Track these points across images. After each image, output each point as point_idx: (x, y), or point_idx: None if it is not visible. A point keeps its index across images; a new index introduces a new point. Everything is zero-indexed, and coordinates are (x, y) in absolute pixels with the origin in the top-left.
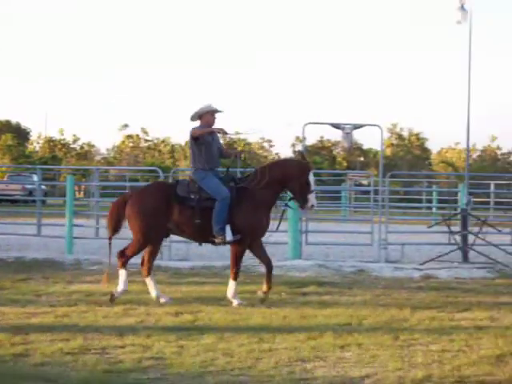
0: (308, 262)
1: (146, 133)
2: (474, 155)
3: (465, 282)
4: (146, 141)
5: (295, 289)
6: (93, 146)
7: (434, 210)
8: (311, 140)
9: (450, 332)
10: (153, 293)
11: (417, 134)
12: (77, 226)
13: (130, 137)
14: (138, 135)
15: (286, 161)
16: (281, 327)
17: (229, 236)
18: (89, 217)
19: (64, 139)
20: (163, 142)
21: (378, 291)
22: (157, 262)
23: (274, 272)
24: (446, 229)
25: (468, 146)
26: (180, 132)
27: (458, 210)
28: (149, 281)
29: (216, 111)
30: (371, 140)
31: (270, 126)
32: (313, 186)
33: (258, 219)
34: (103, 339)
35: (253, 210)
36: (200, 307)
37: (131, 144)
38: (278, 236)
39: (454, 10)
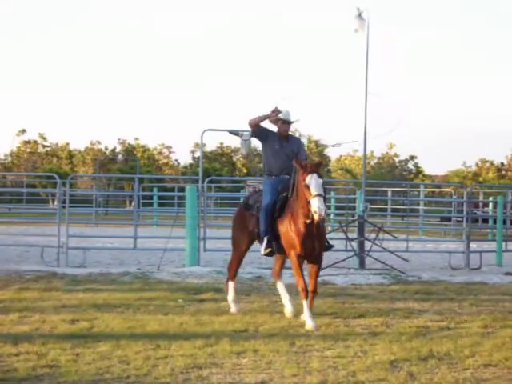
0: (206, 268)
1: (43, 138)
2: (372, 162)
3: (361, 288)
4: (44, 146)
5: (192, 295)
6: None
7: (331, 216)
8: (211, 146)
9: (346, 338)
10: (286, 304)
11: (316, 141)
12: None
13: (27, 142)
14: (35, 141)
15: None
16: (177, 334)
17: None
18: None
19: None
20: (62, 147)
21: (276, 298)
22: (53, 269)
23: (171, 278)
24: (343, 235)
25: (365, 153)
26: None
27: (355, 217)
28: (279, 286)
29: (288, 121)
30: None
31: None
32: (315, 190)
33: (291, 230)
34: None
35: (287, 221)
36: (96, 314)
37: (29, 150)
38: (176, 242)
39: (352, 18)
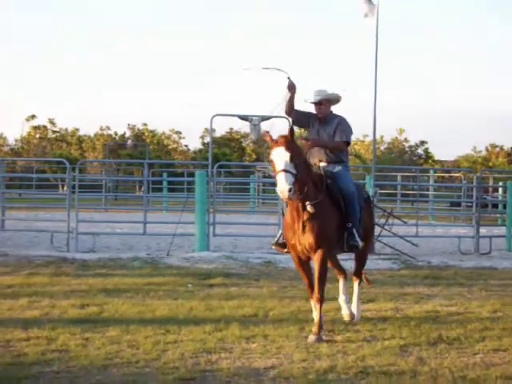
0: (215, 253)
1: (53, 124)
2: (382, 147)
3: (371, 273)
4: (54, 132)
5: (202, 280)
6: (4, 138)
7: None
8: (221, 131)
9: (355, 323)
10: (341, 306)
11: None
12: None
13: (37, 128)
14: (45, 126)
15: None
16: (187, 319)
17: None
18: None
19: None
20: (71, 133)
21: (285, 283)
22: (63, 254)
23: (181, 264)
24: None
25: (375, 138)
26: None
27: None
28: (340, 283)
29: (315, 102)
30: (280, 132)
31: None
32: (278, 165)
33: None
34: (7, 332)
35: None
36: (106, 299)
37: (38, 135)
38: (185, 227)
39: (360, 2)
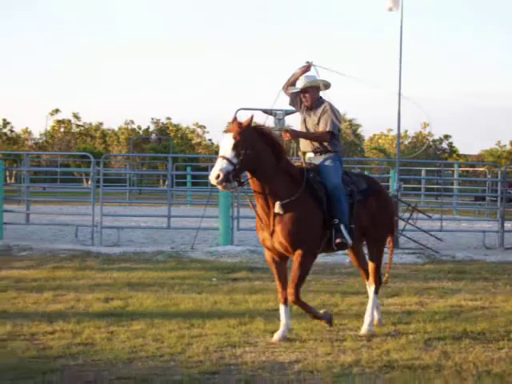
0: (239, 247)
1: (77, 118)
2: (406, 142)
3: (395, 267)
4: (78, 126)
5: (226, 274)
6: (29, 132)
7: None
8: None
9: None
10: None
11: (349, 121)
12: (7, 211)
13: (61, 122)
14: (69, 120)
15: None
16: (211, 313)
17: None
18: (19, 202)
19: None
20: (95, 127)
21: (309, 277)
22: (88, 248)
23: (205, 257)
24: None
25: (399, 132)
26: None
27: None
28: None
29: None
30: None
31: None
32: (220, 152)
33: None
34: (32, 325)
35: None
36: (130, 293)
37: (63, 129)
38: (209, 221)
39: None
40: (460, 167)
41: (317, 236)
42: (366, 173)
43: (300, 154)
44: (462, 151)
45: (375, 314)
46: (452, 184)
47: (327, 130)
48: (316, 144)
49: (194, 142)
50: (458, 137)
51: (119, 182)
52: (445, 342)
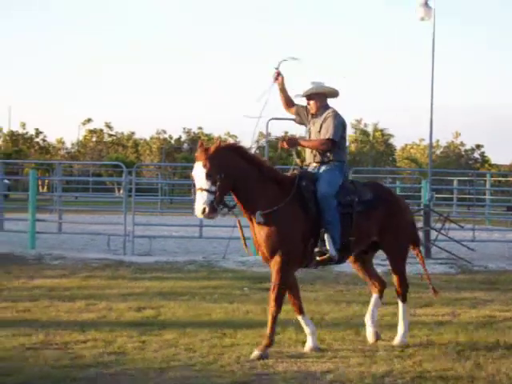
0: None
1: (109, 127)
2: (438, 151)
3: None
4: (110, 135)
5: (258, 284)
6: (63, 142)
7: None
8: (276, 135)
9: (412, 327)
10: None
11: (381, 130)
12: (39, 220)
13: (93, 131)
14: (101, 130)
15: None
16: (243, 322)
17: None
18: (51, 211)
19: (26, 133)
20: (127, 136)
21: (341, 287)
22: (120, 257)
23: (237, 267)
24: None
25: (431, 142)
26: (144, 127)
27: (421, 206)
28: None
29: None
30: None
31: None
32: (196, 184)
33: None
34: (65, 334)
35: None
36: (162, 302)
37: (95, 139)
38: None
39: (417, 6)
40: (492, 177)
41: (295, 246)
42: (397, 183)
43: (298, 161)
44: (494, 161)
45: (402, 326)
46: (484, 194)
47: (327, 137)
48: (319, 154)
49: None
50: (490, 146)
51: (151, 192)
52: (477, 353)
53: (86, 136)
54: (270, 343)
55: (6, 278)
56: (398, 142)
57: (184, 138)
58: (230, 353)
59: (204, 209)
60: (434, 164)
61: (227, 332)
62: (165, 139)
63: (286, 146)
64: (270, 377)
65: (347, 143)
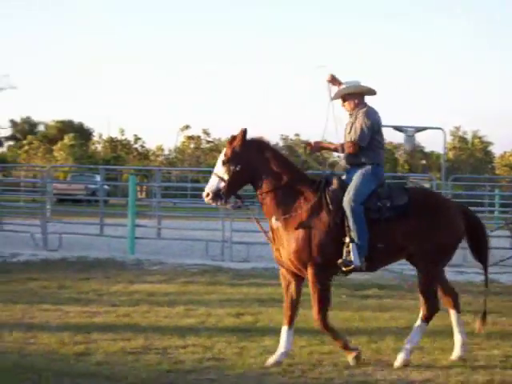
0: None
1: (207, 134)
2: None
3: (503, 285)
4: (208, 142)
5: (355, 291)
6: (162, 149)
7: (496, 213)
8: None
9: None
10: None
11: (480, 138)
12: (139, 226)
13: (191, 138)
14: (199, 136)
15: None
16: (341, 330)
17: None
18: (151, 217)
19: (125, 139)
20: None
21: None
22: (218, 263)
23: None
24: (508, 233)
25: None
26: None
27: None
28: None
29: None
30: (434, 143)
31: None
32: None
33: None
34: (165, 339)
35: None
36: (261, 309)
37: (193, 145)
38: None
39: None
40: None
41: (327, 252)
42: (496, 190)
43: (319, 167)
44: None
45: (410, 346)
46: None
47: (352, 139)
48: (350, 156)
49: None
50: None
51: (249, 198)
52: None
53: (184, 142)
54: (352, 350)
55: (106, 282)
56: (497, 150)
57: (281, 144)
58: (328, 360)
59: (208, 194)
60: None
61: (326, 339)
62: None
63: (311, 149)
64: None
65: (383, 142)
